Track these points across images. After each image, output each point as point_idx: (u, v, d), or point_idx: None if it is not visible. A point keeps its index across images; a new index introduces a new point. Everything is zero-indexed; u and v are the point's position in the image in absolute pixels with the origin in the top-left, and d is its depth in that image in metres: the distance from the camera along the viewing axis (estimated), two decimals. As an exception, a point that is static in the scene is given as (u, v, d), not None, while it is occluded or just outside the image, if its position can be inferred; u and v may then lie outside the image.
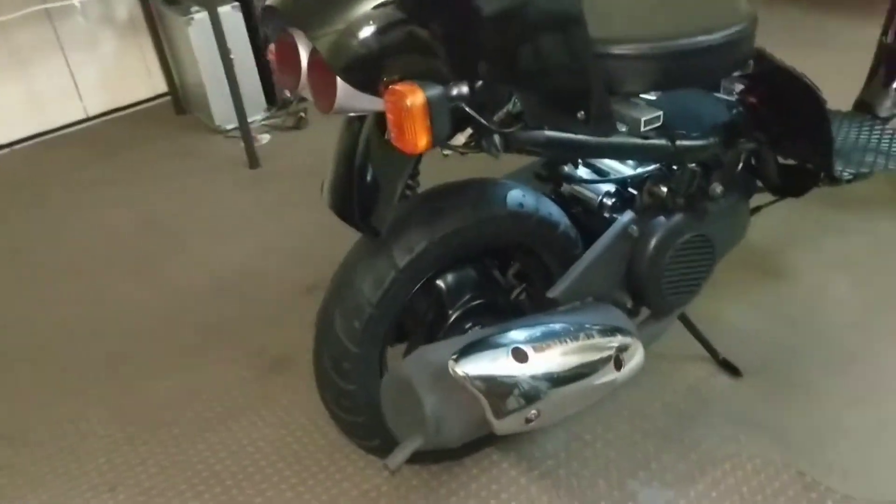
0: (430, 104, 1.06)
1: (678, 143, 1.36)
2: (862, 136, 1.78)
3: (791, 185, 1.63)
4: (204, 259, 2.39)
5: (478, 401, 1.19)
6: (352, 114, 1.20)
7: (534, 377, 1.22)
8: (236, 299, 2.20)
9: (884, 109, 1.90)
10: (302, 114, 3.19)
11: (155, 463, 1.72)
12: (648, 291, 1.49)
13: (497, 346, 1.22)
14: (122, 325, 2.14)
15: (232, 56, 2.88)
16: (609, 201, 1.52)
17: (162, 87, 3.52)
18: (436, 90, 1.07)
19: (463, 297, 1.45)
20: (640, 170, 1.50)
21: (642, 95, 1.35)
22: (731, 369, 1.73)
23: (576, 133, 1.22)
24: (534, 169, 1.64)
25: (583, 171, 1.58)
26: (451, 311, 1.44)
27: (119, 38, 3.38)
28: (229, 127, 3.19)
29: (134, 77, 3.46)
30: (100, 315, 2.19)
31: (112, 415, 1.86)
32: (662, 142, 1.34)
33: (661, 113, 1.29)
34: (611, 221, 1.51)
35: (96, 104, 3.42)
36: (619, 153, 1.38)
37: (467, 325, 1.45)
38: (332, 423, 1.64)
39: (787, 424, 1.61)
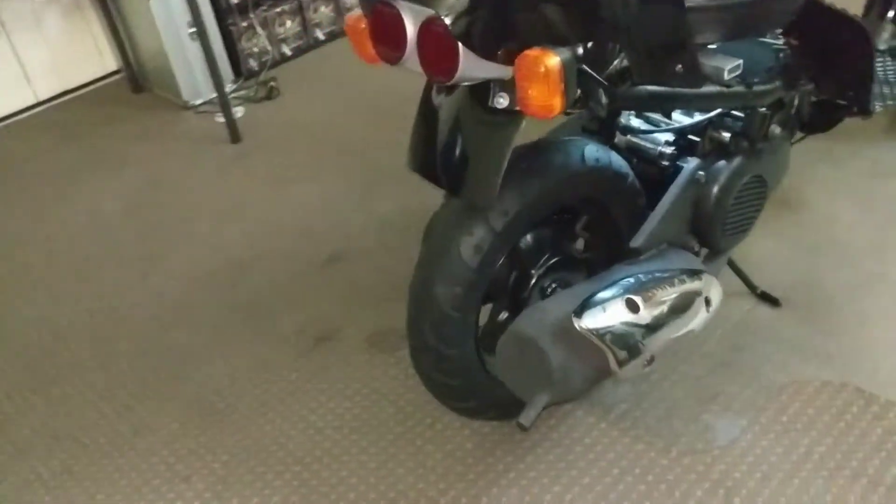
0: (563, 67, 1.07)
1: (754, 88, 1.42)
2: (878, 70, 1.88)
3: (820, 121, 1.72)
4: (211, 242, 2.34)
5: (600, 352, 1.24)
6: (467, 83, 1.20)
7: (647, 325, 1.27)
8: (258, 279, 2.17)
9: (882, 42, 2.00)
10: (273, 83, 3.12)
11: (224, 450, 1.70)
12: (713, 232, 1.56)
13: (610, 299, 1.26)
14: (146, 317, 2.09)
15: (192, 29, 2.80)
16: (669, 150, 1.57)
17: (113, 65, 3.37)
18: (565, 53, 1.08)
19: (543, 256, 1.48)
20: (699, 117, 1.55)
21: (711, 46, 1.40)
22: (770, 300, 1.83)
23: (672, 86, 1.26)
24: (580, 123, 1.68)
25: (637, 122, 1.62)
26: (533, 271, 1.47)
27: (65, 17, 3.21)
28: (198, 102, 3.09)
29: (83, 57, 3.30)
30: (120, 310, 2.12)
31: (161, 407, 1.82)
32: (742, 89, 1.40)
33: (741, 62, 1.34)
34: (670, 170, 1.57)
35: (46, 88, 3.26)
36: (708, 102, 1.43)
37: (548, 284, 1.48)
38: (397, 391, 1.68)
39: (832, 346, 1.72)
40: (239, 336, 1.98)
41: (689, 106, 1.49)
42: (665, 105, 1.44)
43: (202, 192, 2.59)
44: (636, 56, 1.18)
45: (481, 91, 1.23)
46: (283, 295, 2.10)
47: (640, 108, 1.50)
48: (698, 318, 1.37)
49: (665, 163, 1.57)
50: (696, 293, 1.38)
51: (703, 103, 1.44)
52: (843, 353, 1.70)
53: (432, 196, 2.31)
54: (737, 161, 1.53)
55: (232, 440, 1.72)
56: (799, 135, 1.78)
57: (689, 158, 1.54)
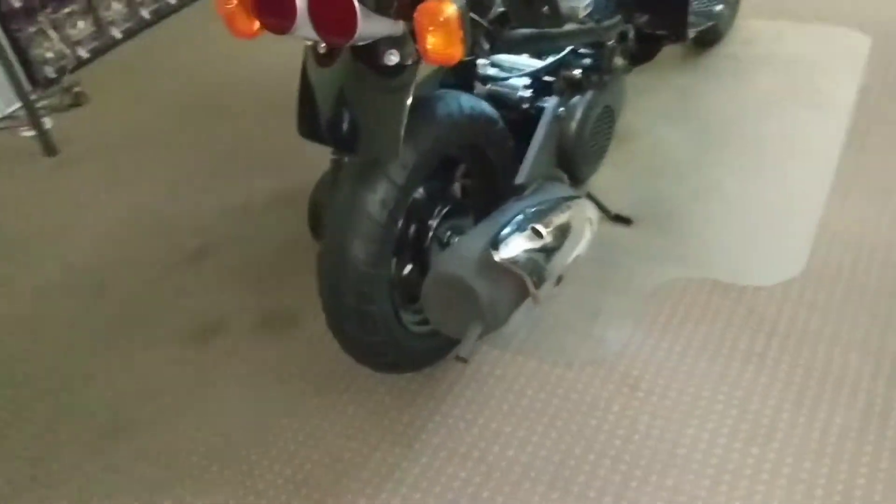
0: (460, 15, 1.15)
1: (603, 23, 1.57)
2: None
3: (645, 53, 1.92)
4: (59, 258, 2.21)
5: (518, 279, 1.34)
6: (362, 42, 1.24)
7: (552, 248, 1.39)
8: (123, 286, 2.08)
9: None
10: (77, 88, 2.94)
11: (143, 463, 1.65)
12: (577, 162, 1.71)
13: (517, 230, 1.37)
14: (7, 345, 1.95)
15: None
16: (528, 93, 1.69)
17: None
18: (460, 2, 1.16)
19: (436, 207, 1.56)
20: (550, 59, 1.68)
21: None
22: (623, 220, 2.02)
23: (541, 27, 1.37)
24: (438, 77, 1.76)
25: (493, 71, 1.73)
26: (430, 222, 1.55)
27: None
28: (-6, 118, 2.86)
29: None
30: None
31: (56, 439, 1.73)
32: (594, 25, 1.54)
33: (591, 0, 1.48)
34: (532, 111, 1.70)
35: None
36: (571, 39, 1.56)
37: (445, 232, 1.57)
38: (304, 366, 1.72)
39: (685, 250, 1.93)
40: (118, 346, 1.90)
41: (556, 44, 1.62)
42: (538, 45, 1.56)
43: (32, 209, 2.42)
44: (512, 1, 1.28)
45: (366, 52, 1.28)
46: (157, 297, 2.03)
47: (516, 51, 1.61)
48: (587, 236, 1.52)
49: (526, 105, 1.70)
50: (582, 215, 1.51)
51: (566, 40, 1.57)
52: (696, 253, 1.92)
53: (276, 178, 2.33)
54: (589, 95, 1.68)
55: (146, 452, 1.67)
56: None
57: (547, 98, 1.67)
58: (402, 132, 1.29)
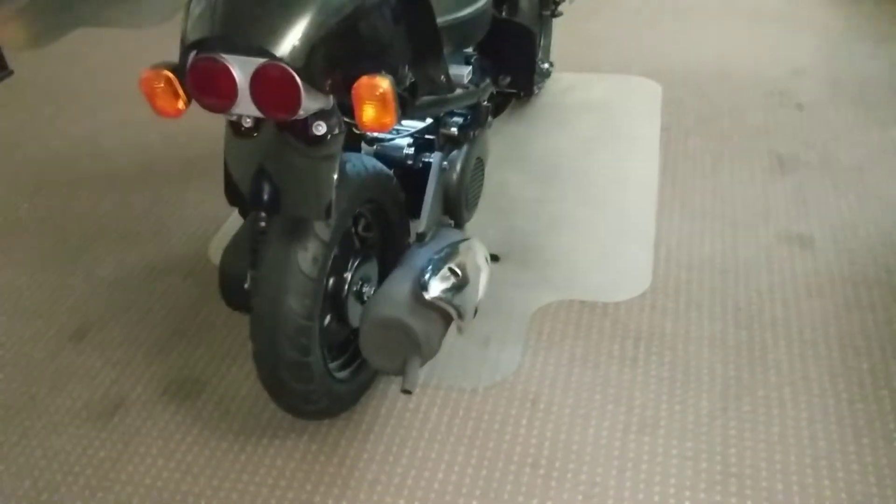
0: (392, 88, 1.32)
1: (480, 86, 1.79)
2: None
3: (497, 108, 2.18)
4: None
5: (446, 313, 1.51)
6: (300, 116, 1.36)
7: (466, 284, 1.58)
8: (10, 374, 2.01)
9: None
10: None
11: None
12: (460, 208, 1.92)
13: (438, 271, 1.54)
14: None
15: None
16: (411, 151, 1.88)
17: None
18: (390, 77, 1.33)
19: (349, 260, 1.70)
20: (428, 121, 1.89)
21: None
22: (493, 258, 2.25)
23: (441, 94, 1.57)
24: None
25: (376, 133, 1.90)
26: (346, 275, 1.68)
27: None
28: None
29: None
30: None
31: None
32: (474, 88, 1.76)
33: (470, 68, 1.70)
34: (415, 166, 1.89)
35: None
36: (462, 101, 1.76)
37: (358, 281, 1.71)
38: (220, 428, 1.79)
39: (549, 277, 2.19)
40: (19, 431, 1.85)
41: (452, 107, 1.81)
42: (438, 109, 1.75)
43: None
44: (417, 74, 1.47)
45: (293, 124, 1.41)
46: (45, 380, 1.98)
47: (424, 115, 1.79)
48: (488, 271, 1.72)
49: (410, 162, 1.88)
50: (480, 254, 1.72)
51: (458, 103, 1.78)
52: (560, 279, 2.18)
53: (148, 249, 2.35)
54: (465, 148, 1.90)
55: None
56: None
57: (429, 154, 1.87)
58: (334, 195, 1.43)
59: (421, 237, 1.73)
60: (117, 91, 3.28)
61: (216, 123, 2.89)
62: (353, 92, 1.31)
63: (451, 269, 1.56)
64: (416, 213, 1.83)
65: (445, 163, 1.85)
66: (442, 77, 1.53)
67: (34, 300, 2.23)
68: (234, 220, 2.46)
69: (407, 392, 1.49)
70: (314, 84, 1.29)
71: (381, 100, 1.30)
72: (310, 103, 1.30)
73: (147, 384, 1.95)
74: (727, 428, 1.76)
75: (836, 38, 3.29)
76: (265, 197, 1.45)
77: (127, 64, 3.51)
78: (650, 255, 2.23)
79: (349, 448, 1.77)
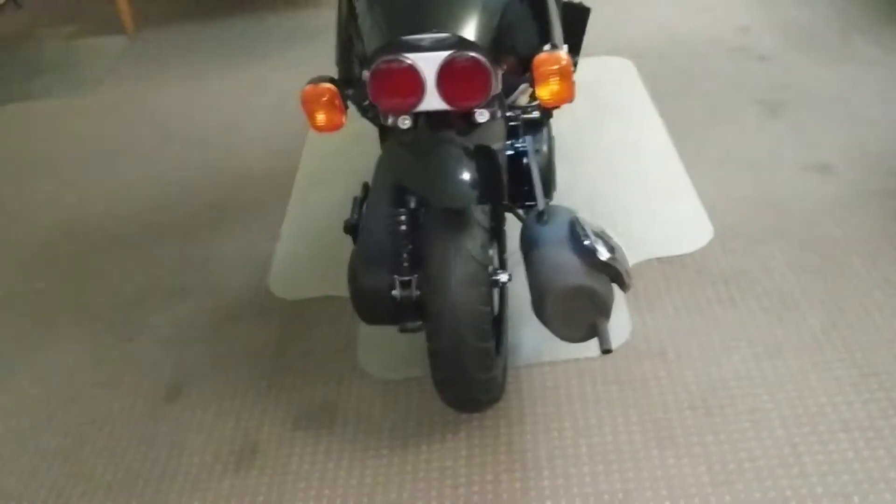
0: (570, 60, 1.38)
1: None
2: None
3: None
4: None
5: (616, 272, 1.58)
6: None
7: (617, 246, 1.65)
8: (98, 443, 1.91)
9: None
10: None
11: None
12: (549, 186, 2.00)
13: (591, 239, 1.60)
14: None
15: None
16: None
17: None
18: (565, 51, 1.39)
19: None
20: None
21: None
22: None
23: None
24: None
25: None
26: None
27: None
28: None
29: None
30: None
31: None
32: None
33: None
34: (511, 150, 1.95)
35: None
36: None
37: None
38: (367, 454, 1.77)
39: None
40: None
41: None
42: None
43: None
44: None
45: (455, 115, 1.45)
46: (156, 444, 1.90)
47: None
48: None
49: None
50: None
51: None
52: (626, 244, 2.28)
53: (199, 300, 2.26)
54: (546, 129, 1.97)
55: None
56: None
57: (517, 140, 1.93)
58: (505, 178, 1.47)
59: (541, 215, 1.79)
60: (84, 157, 3.13)
61: (221, 167, 2.84)
62: (533, 70, 1.36)
63: (599, 234, 1.62)
64: (513, 197, 1.89)
65: (536, 144, 1.91)
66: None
67: (107, 372, 2.12)
68: (284, 254, 2.42)
69: (608, 351, 1.53)
70: (496, 68, 1.34)
71: (563, 74, 1.36)
72: (495, 88, 1.35)
73: (273, 424, 1.90)
74: (844, 337, 1.90)
75: (762, -5, 3.58)
76: (434, 189, 1.47)
77: (78, 132, 3.35)
78: (700, 206, 2.36)
79: (511, 433, 1.79)
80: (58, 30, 4.40)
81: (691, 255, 2.20)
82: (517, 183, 1.87)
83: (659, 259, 2.20)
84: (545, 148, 1.94)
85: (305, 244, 2.45)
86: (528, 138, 1.91)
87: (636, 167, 2.57)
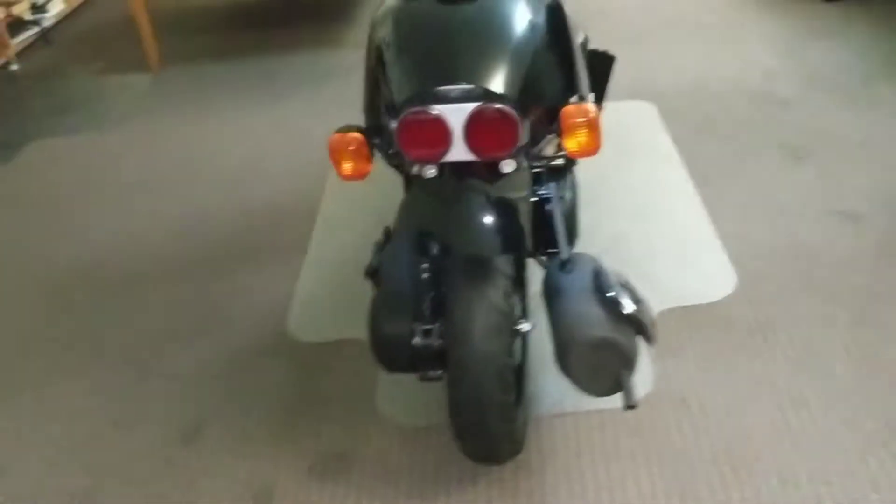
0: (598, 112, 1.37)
1: None
2: None
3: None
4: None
5: (641, 324, 1.55)
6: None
7: (642, 297, 1.63)
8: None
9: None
10: None
11: None
12: (573, 233, 1.98)
13: (615, 290, 1.58)
14: None
15: None
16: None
17: None
18: (592, 102, 1.38)
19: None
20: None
21: None
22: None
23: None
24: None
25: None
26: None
27: None
28: None
29: None
30: None
31: None
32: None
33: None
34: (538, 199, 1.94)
35: None
36: None
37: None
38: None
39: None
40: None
41: None
42: None
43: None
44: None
45: (478, 166, 1.45)
46: (172, 487, 1.88)
47: None
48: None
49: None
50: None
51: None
52: (649, 291, 2.26)
53: (217, 340, 2.25)
54: (569, 175, 1.97)
55: None
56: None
57: (541, 187, 1.92)
58: (529, 227, 1.46)
59: (564, 264, 1.77)
60: (107, 194, 3.16)
61: (243, 206, 2.85)
62: (561, 121, 1.35)
63: (623, 285, 1.60)
64: (536, 244, 1.87)
65: (560, 191, 1.90)
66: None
67: (124, 412, 2.11)
68: (304, 295, 2.42)
69: (632, 407, 1.51)
70: (524, 119, 1.33)
71: (590, 126, 1.35)
72: (523, 139, 1.34)
73: (290, 469, 1.88)
74: (873, 392, 1.86)
75: (787, 40, 3.57)
76: (459, 238, 1.46)
77: (101, 168, 3.39)
78: (723, 253, 2.34)
79: (531, 486, 1.76)
80: (86, 66, 4.47)
81: (717, 303, 2.17)
82: (540, 229, 1.86)
83: (683, 307, 2.17)
84: (569, 195, 1.94)
85: (325, 286, 2.44)
86: (552, 185, 1.90)
87: (659, 212, 2.56)
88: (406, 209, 1.57)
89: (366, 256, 1.79)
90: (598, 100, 2.17)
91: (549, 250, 1.93)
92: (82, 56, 4.62)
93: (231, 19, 4.85)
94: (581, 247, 2.34)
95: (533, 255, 1.91)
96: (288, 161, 3.18)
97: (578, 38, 1.83)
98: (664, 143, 2.92)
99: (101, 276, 2.67)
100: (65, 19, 5.00)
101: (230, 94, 3.86)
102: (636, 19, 4.02)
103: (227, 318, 2.39)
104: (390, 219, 1.75)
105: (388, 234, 1.82)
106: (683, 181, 2.69)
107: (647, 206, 2.59)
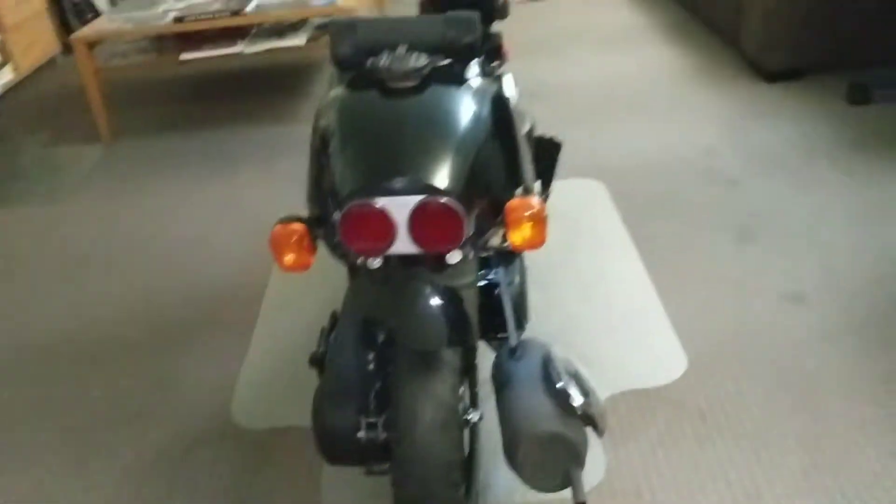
0: (544, 206, 1.37)
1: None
2: None
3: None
4: None
5: (590, 417, 1.52)
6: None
7: (591, 387, 1.61)
8: None
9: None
10: None
11: None
12: (522, 318, 1.95)
13: (565, 378, 1.56)
14: None
15: None
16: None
17: None
18: (538, 196, 1.38)
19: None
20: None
21: None
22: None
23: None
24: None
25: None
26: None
27: None
28: None
29: None
30: None
31: None
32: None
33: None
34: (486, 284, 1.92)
35: None
36: None
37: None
38: None
39: (588, 374, 2.25)
40: None
41: None
42: None
43: None
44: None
45: (424, 257, 1.43)
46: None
47: None
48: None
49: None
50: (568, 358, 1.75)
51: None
52: (598, 375, 2.24)
53: (161, 425, 2.21)
54: (519, 259, 1.96)
55: None
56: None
57: (490, 270, 1.90)
58: (476, 319, 1.43)
59: (513, 351, 1.74)
60: (52, 270, 3.07)
61: (190, 283, 2.79)
62: (506, 215, 1.35)
63: (573, 375, 1.58)
64: (485, 328, 1.85)
65: (508, 276, 1.89)
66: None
67: (59, 501, 2.01)
68: (248, 379, 2.35)
69: (582, 503, 1.47)
70: (469, 213, 1.32)
71: (535, 219, 1.35)
72: (468, 232, 1.33)
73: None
74: (825, 481, 1.85)
75: (731, 119, 3.67)
76: (405, 331, 1.43)
77: (48, 241, 3.30)
78: (673, 335, 2.34)
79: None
80: (35, 137, 4.41)
81: (666, 387, 2.16)
82: (489, 314, 1.83)
83: (633, 391, 2.15)
84: (517, 279, 1.92)
85: (270, 370, 2.38)
86: (501, 270, 1.89)
87: (609, 293, 2.56)
88: (351, 297, 1.54)
89: (312, 340, 1.76)
90: (546, 185, 2.18)
91: (499, 335, 1.91)
92: (31, 126, 4.57)
93: (182, 90, 4.84)
94: (532, 329, 2.34)
95: (483, 338, 1.88)
96: (237, 238, 3.14)
97: (525, 127, 1.85)
98: (614, 222, 2.95)
99: (42, 355, 2.58)
100: (12, 89, 4.95)
101: (181, 166, 3.82)
102: (581, 95, 4.11)
103: (170, 401, 2.31)
104: (338, 301, 1.71)
105: (334, 320, 1.78)
106: (633, 262, 2.70)
107: (597, 287, 2.60)
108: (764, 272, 2.59)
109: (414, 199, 1.29)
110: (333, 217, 1.34)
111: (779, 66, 3.89)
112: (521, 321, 1.94)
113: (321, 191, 1.39)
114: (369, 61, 1.50)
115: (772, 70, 3.92)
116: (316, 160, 1.41)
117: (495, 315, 1.83)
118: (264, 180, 3.60)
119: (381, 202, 1.28)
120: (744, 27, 4.00)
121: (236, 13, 3.86)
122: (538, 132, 2.10)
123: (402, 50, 1.44)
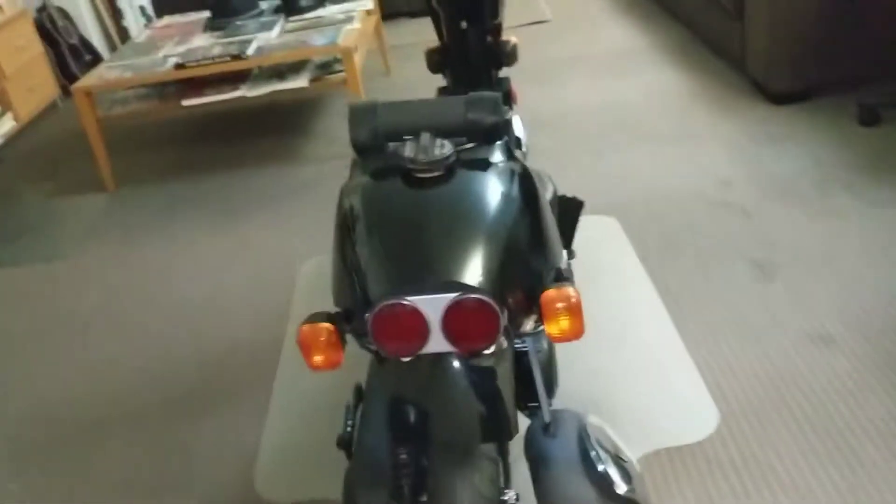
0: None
1: None
2: None
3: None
4: None
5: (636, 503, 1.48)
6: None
7: (630, 466, 1.56)
8: None
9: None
10: None
11: None
12: (552, 388, 1.92)
13: (606, 461, 1.51)
14: None
15: None
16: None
17: None
18: (574, 285, 1.34)
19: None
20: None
21: None
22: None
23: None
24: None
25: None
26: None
27: None
28: None
29: None
30: None
31: None
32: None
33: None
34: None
35: None
36: None
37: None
38: None
39: (620, 434, 2.21)
40: None
41: None
42: None
43: None
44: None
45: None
46: None
47: None
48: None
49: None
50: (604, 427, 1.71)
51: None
52: (630, 434, 2.20)
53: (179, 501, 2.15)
54: (542, 329, 1.92)
55: None
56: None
57: (517, 340, 1.86)
58: (514, 411, 1.39)
59: (547, 427, 1.70)
60: (59, 332, 3.03)
61: (205, 338, 2.75)
62: (543, 307, 1.31)
63: (612, 454, 1.53)
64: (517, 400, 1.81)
65: (536, 347, 1.85)
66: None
67: None
68: (270, 446, 2.31)
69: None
70: (503, 307, 1.28)
71: (572, 311, 1.31)
72: (503, 327, 1.29)
73: None
74: (868, 538, 1.81)
75: (742, 145, 3.63)
76: (422, 428, 1.39)
77: (53, 302, 3.27)
78: (702, 384, 2.30)
79: None
80: (38, 187, 4.38)
81: (700, 444, 2.11)
82: (518, 384, 1.79)
83: (666, 450, 2.11)
84: (546, 345, 1.88)
85: (293, 436, 2.34)
86: (529, 339, 1.85)
87: (632, 342, 2.51)
88: (378, 378, 1.49)
89: (335, 399, 1.72)
90: (567, 244, 2.14)
91: (530, 404, 1.86)
92: (33, 176, 4.54)
93: (184, 133, 4.81)
94: (562, 383, 2.30)
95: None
96: (248, 290, 3.10)
97: (548, 194, 1.81)
98: (631, 261, 2.91)
99: (53, 425, 2.53)
100: (13, 138, 4.92)
101: (188, 213, 3.78)
102: (583, 123, 4.07)
103: (188, 472, 2.27)
104: (358, 356, 1.65)
105: (358, 394, 1.74)
106: (655, 306, 2.66)
107: (623, 335, 2.55)
108: (787, 310, 2.55)
109: (447, 297, 1.24)
110: (364, 316, 1.29)
111: (786, 87, 3.85)
112: (551, 388, 1.90)
113: (349, 287, 1.35)
114: (392, 147, 1.47)
115: (778, 91, 3.88)
116: (341, 255, 1.37)
117: (525, 385, 1.79)
118: (272, 223, 3.56)
119: (413, 301, 1.24)
120: (748, 48, 3.97)
121: (237, 57, 3.83)
122: (553, 184, 2.06)
123: (426, 138, 1.40)
